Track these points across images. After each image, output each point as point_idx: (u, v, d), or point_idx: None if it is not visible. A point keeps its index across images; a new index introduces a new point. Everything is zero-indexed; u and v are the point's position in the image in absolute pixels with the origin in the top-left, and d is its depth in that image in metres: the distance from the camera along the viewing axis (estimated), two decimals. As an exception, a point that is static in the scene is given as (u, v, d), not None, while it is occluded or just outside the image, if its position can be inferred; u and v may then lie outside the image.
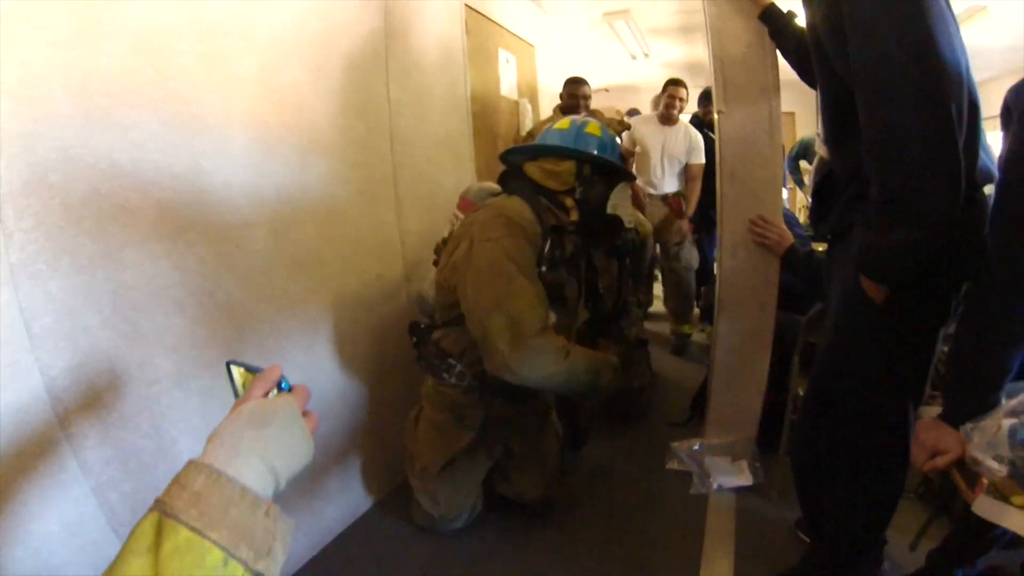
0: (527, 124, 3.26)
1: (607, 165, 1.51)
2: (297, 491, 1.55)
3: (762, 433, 1.85)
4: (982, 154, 1.02)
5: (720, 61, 1.73)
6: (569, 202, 1.50)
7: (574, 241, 1.56)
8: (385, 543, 1.64)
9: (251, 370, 0.59)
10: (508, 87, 3.06)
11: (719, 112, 1.76)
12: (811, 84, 1.52)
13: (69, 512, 1.03)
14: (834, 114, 1.16)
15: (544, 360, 1.28)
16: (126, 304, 1.11)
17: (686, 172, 3.21)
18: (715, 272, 2.03)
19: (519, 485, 1.64)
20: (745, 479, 1.76)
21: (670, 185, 3.22)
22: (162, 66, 1.15)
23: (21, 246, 0.95)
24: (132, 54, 1.10)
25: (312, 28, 1.53)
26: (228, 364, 0.60)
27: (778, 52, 1.67)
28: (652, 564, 1.51)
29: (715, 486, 1.75)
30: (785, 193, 4.29)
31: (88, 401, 1.05)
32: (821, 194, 1.33)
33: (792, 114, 5.62)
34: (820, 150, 1.52)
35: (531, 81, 3.47)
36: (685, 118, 3.25)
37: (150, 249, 1.16)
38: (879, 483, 1.21)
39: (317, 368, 1.60)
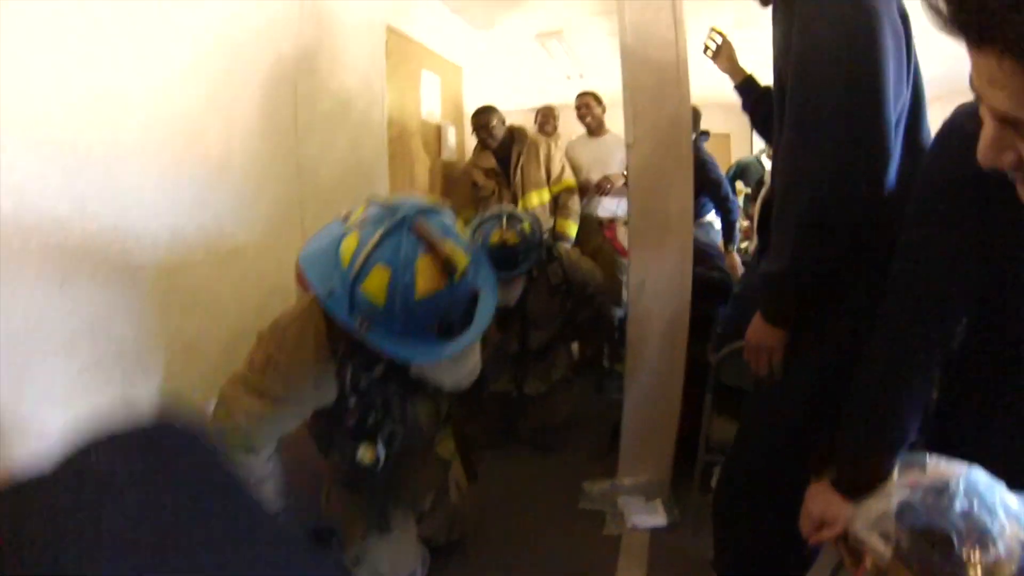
0: (449, 148, 3.42)
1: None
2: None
3: (678, 469, 2.01)
4: None
5: (631, 91, 1.93)
6: None
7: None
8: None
9: None
10: (429, 110, 3.20)
11: (628, 145, 1.95)
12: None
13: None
14: None
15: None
16: (14, 352, 1.16)
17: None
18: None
19: (426, 531, 1.74)
20: (660, 519, 1.93)
21: (605, 208, 3.42)
22: (41, 102, 1.20)
23: None
24: (5, 90, 1.13)
25: (213, 50, 1.60)
26: None
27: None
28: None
29: (629, 525, 1.91)
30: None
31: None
32: (767, 224, 1.38)
33: (727, 135, 6.03)
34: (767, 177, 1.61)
35: (457, 103, 3.63)
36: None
37: (34, 296, 1.21)
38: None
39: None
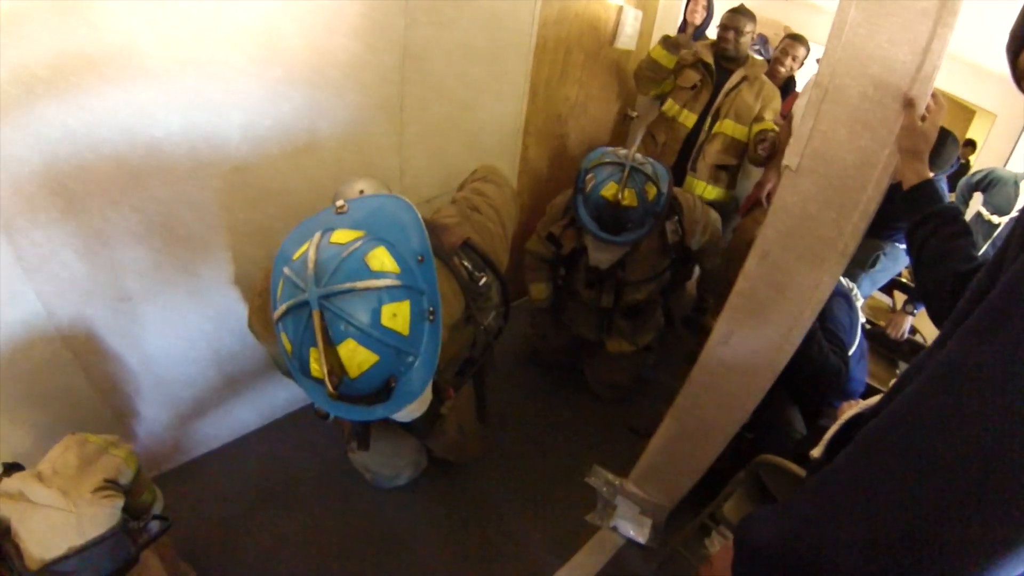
0: (627, 36, 2.85)
1: None
2: (253, 375, 2.11)
3: (685, 505, 1.93)
4: None
5: (823, 90, 1.29)
6: None
7: None
8: (324, 426, 2.21)
9: None
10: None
11: (786, 166, 1.40)
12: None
13: (59, 382, 1.64)
14: None
15: None
16: (95, 242, 1.55)
17: None
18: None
19: (436, 452, 2.02)
20: (641, 537, 1.94)
21: None
22: (91, 18, 1.30)
23: (6, 209, 1.36)
24: (60, 15, 1.26)
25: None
26: None
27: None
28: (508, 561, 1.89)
29: (611, 525, 1.97)
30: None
31: (75, 315, 1.60)
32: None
33: (991, 116, 3.69)
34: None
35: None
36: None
37: (109, 197, 1.53)
38: None
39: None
